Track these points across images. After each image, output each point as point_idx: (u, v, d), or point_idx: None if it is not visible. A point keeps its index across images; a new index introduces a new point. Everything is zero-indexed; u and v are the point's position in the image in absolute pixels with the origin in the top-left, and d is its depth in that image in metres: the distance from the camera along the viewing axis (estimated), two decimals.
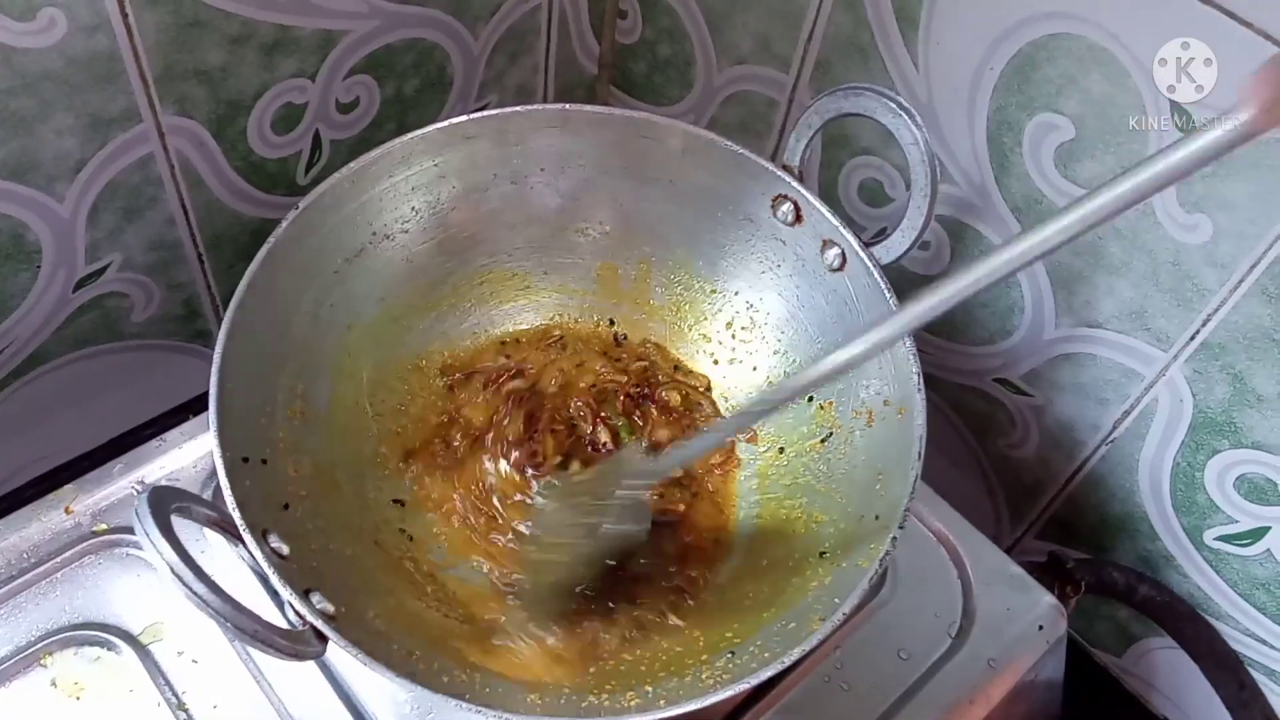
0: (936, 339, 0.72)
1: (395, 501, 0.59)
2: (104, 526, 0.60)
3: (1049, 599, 0.62)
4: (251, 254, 0.74)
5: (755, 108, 0.75)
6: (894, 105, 0.54)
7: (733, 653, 0.50)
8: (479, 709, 0.44)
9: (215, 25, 0.61)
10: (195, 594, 0.38)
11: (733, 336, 0.65)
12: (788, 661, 0.46)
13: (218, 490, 0.59)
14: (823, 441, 0.60)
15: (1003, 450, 0.73)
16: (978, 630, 0.61)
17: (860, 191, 0.71)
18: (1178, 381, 0.61)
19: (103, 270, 0.67)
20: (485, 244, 0.64)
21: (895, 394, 0.55)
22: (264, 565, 0.44)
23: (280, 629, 0.42)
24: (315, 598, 0.45)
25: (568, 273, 0.67)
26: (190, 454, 0.64)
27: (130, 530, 0.59)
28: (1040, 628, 0.61)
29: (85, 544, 0.59)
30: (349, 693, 0.55)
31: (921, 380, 0.53)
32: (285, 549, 0.46)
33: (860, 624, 0.60)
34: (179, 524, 0.42)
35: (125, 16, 0.57)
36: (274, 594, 0.58)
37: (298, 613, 0.44)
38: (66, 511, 0.60)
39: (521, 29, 0.79)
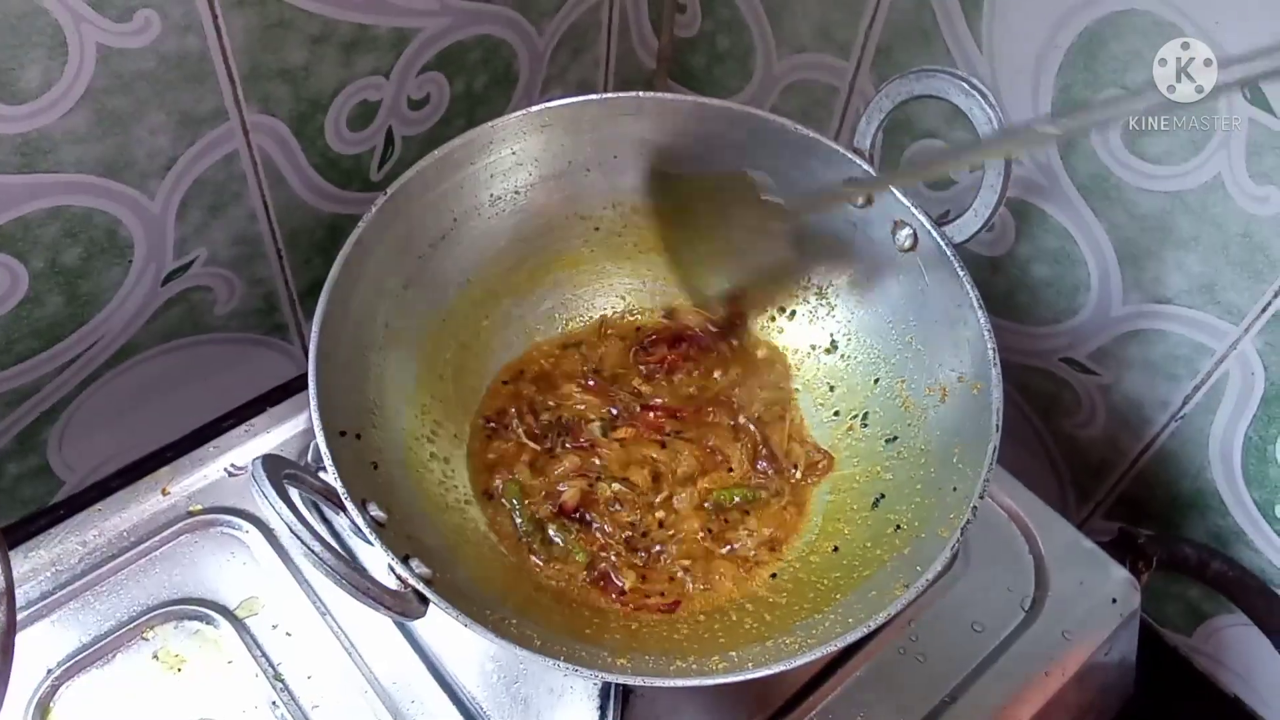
0: (1001, 321, 0.73)
1: (477, 479, 0.61)
2: (199, 507, 0.62)
3: (1122, 573, 0.63)
4: (327, 249, 0.77)
5: (815, 95, 0.76)
6: (966, 85, 0.55)
7: (815, 618, 0.51)
8: (573, 669, 0.45)
9: (298, 25, 0.63)
10: (313, 552, 0.40)
11: (805, 319, 0.66)
12: (873, 626, 0.47)
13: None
14: (888, 442, 0.61)
15: (1069, 430, 0.74)
16: (1051, 603, 0.61)
17: None
18: (1249, 355, 0.61)
19: (189, 265, 0.70)
20: (560, 230, 0.66)
21: (970, 369, 0.56)
22: (365, 531, 0.46)
23: (388, 589, 0.44)
24: (414, 563, 0.47)
25: (639, 259, 0.68)
26: (277, 438, 0.66)
27: (224, 510, 0.62)
28: (1114, 601, 0.62)
29: (182, 523, 0.61)
30: (436, 662, 0.57)
31: (997, 355, 0.54)
32: (383, 517, 0.48)
33: (934, 598, 0.61)
34: None
35: (215, 17, 0.59)
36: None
37: (399, 576, 0.46)
38: (163, 493, 0.62)
39: (583, 25, 0.81)
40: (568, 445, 0.62)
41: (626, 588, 0.57)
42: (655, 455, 0.62)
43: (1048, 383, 0.73)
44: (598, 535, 0.59)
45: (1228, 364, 0.63)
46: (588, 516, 0.60)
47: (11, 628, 0.36)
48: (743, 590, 0.57)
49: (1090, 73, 0.60)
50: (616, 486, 0.60)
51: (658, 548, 0.59)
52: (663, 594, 0.57)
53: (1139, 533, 0.66)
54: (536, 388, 0.65)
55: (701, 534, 0.60)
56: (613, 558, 0.58)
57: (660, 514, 0.60)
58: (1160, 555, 0.65)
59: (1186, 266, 0.62)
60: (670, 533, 0.60)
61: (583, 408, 0.64)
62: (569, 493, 0.60)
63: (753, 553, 0.59)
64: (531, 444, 0.62)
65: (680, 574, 0.58)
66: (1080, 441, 0.73)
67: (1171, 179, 0.60)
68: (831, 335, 0.66)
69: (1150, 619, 0.75)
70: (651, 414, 0.64)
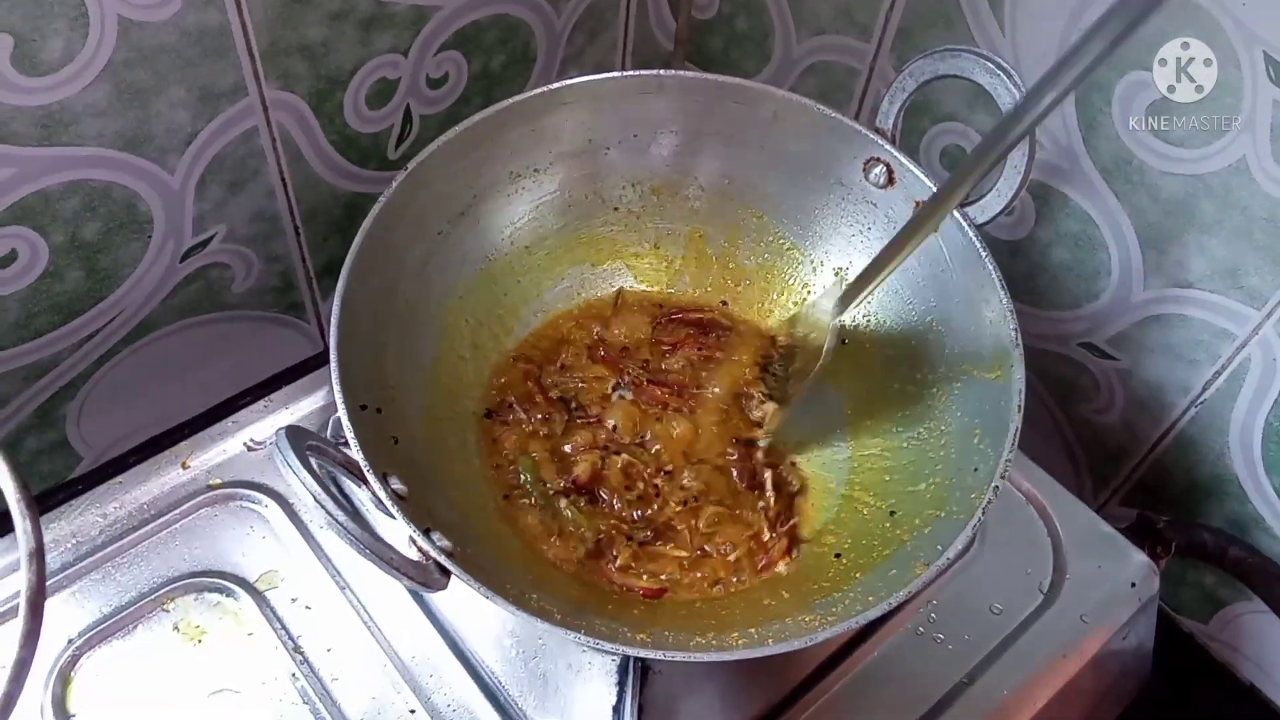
0: (1020, 305, 0.72)
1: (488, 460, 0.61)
2: (219, 481, 0.62)
3: (1141, 557, 0.63)
4: (344, 228, 0.76)
5: (835, 77, 0.76)
6: (992, 65, 0.55)
7: (834, 596, 0.51)
8: (594, 643, 0.45)
9: (317, 1, 0.63)
10: (337, 521, 0.40)
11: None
12: (893, 603, 0.47)
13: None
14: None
15: (1087, 416, 0.73)
16: (1070, 587, 0.61)
17: (943, 158, 0.72)
18: (1271, 340, 0.61)
19: (208, 241, 0.70)
20: (578, 208, 0.66)
21: (990, 351, 0.56)
22: (387, 504, 0.46)
23: (410, 560, 0.44)
24: (435, 536, 0.47)
25: (658, 238, 0.68)
26: (295, 414, 0.66)
27: (243, 484, 0.62)
28: (1133, 585, 0.62)
29: (201, 497, 0.62)
30: (454, 637, 0.57)
31: (1019, 335, 0.54)
32: (404, 490, 0.48)
33: (952, 579, 0.61)
34: None
35: None
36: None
37: (420, 549, 0.46)
38: (184, 467, 0.62)
39: (601, 6, 0.80)
40: (578, 420, 0.62)
41: (618, 565, 0.57)
42: (652, 429, 0.62)
43: (1066, 367, 0.73)
44: (607, 511, 0.59)
45: (1249, 349, 0.62)
46: (600, 493, 0.60)
47: (41, 588, 0.36)
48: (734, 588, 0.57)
49: (1114, 54, 0.59)
50: (626, 457, 0.60)
51: (657, 529, 0.59)
52: (656, 575, 0.57)
53: (1158, 518, 0.66)
54: (547, 361, 0.65)
55: (685, 505, 0.60)
56: (613, 534, 0.58)
57: (661, 484, 0.60)
58: (1179, 541, 0.65)
59: (1209, 251, 0.61)
60: (675, 509, 0.59)
61: (594, 380, 0.64)
62: (581, 466, 0.60)
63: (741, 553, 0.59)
64: (539, 426, 0.62)
65: (675, 561, 0.58)
66: (1098, 427, 0.73)
67: (1195, 162, 0.59)
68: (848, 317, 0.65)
69: (1166, 606, 0.75)
70: (658, 389, 0.64)
